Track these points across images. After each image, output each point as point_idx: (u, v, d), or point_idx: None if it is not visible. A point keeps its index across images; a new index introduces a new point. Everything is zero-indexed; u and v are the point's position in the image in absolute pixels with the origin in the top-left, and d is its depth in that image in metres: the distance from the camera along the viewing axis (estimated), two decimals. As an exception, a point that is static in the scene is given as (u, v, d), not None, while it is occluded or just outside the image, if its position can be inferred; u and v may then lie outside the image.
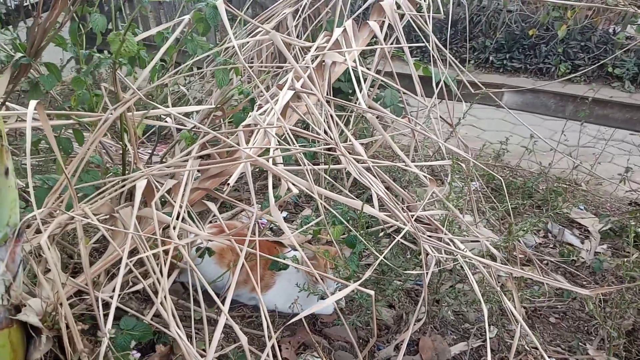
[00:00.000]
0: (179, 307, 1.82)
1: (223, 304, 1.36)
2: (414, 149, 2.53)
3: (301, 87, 2.02)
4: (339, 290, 1.60)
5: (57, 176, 1.65)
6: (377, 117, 2.21)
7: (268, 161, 1.65)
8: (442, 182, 2.83)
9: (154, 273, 1.40)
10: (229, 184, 1.61)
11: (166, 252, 1.47)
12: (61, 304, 1.26)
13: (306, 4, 2.77)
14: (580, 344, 1.91)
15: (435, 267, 1.70)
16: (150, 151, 2.32)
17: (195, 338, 1.66)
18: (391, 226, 1.80)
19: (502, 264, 1.84)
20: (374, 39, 2.48)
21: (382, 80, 2.46)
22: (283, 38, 2.20)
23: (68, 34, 2.06)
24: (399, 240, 1.63)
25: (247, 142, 1.80)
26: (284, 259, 1.63)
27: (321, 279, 1.59)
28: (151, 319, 1.54)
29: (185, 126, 1.95)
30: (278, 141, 1.76)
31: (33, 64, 2.05)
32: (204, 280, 1.45)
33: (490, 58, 6.17)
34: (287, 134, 1.73)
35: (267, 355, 1.28)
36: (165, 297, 1.35)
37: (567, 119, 3.05)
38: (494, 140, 3.53)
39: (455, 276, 1.89)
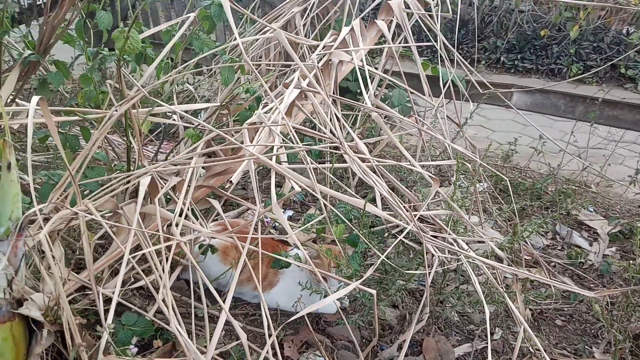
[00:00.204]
0: (182, 304, 1.83)
1: (225, 302, 1.36)
2: (421, 149, 2.52)
3: (307, 85, 2.02)
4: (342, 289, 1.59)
5: (63, 172, 1.66)
6: (384, 117, 2.20)
7: (271, 159, 1.64)
8: (449, 183, 2.81)
9: (156, 269, 1.41)
10: (231, 182, 1.62)
11: (169, 248, 1.47)
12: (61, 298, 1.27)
13: (314, 2, 2.77)
14: (586, 347, 1.89)
15: (439, 268, 1.69)
16: (156, 149, 2.33)
17: (198, 335, 1.67)
18: (396, 226, 1.79)
19: (507, 265, 1.82)
20: (382, 38, 2.47)
21: (389, 80, 2.44)
22: (289, 37, 2.20)
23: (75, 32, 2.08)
24: (402, 240, 1.62)
25: (252, 140, 1.80)
26: (287, 258, 1.63)
27: (324, 278, 1.59)
28: (154, 316, 1.55)
29: (191, 124, 1.96)
30: (282, 139, 1.76)
31: (42, 62, 2.07)
32: (205, 278, 1.45)
33: (502, 58, 6.13)
34: (291, 132, 1.73)
35: (268, 352, 1.28)
36: (166, 293, 1.36)
37: (577, 120, 3.01)
38: (503, 141, 3.51)
39: (459, 277, 1.87)
